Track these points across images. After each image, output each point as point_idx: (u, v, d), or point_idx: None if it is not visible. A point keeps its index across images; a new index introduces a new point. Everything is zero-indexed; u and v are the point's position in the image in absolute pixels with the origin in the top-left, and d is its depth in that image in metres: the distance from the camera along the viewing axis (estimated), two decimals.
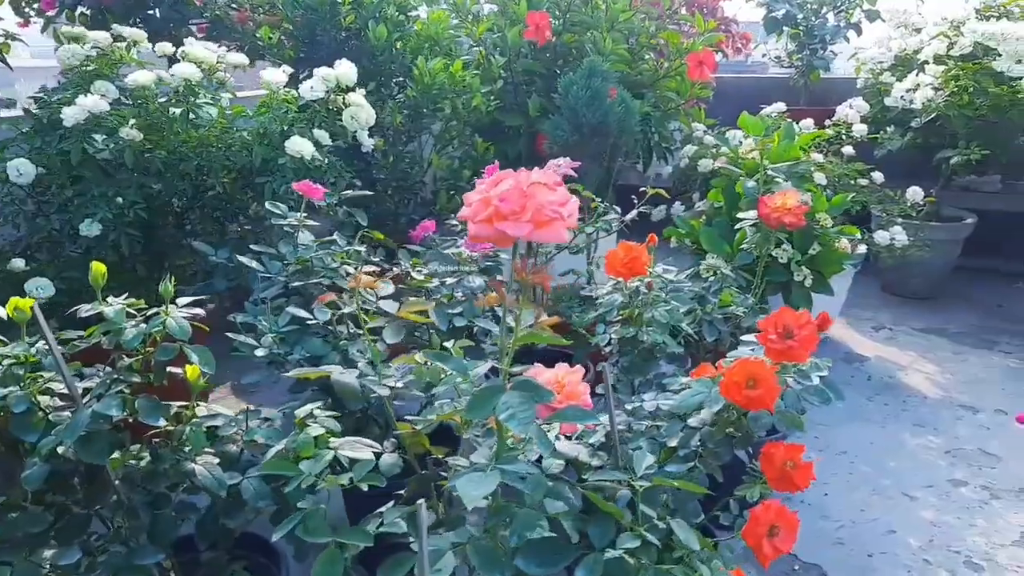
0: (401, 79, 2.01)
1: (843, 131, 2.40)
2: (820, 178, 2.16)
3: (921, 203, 2.29)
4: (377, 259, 1.51)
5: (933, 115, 2.55)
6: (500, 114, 2.38)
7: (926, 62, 2.61)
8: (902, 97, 2.64)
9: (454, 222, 1.67)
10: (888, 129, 2.83)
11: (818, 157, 2.21)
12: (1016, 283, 3.09)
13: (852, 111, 2.39)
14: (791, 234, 1.62)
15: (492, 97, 2.18)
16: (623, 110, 1.96)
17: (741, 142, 1.84)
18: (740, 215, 1.35)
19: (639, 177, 2.81)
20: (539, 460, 0.83)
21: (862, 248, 2.26)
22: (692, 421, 0.89)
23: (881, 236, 2.18)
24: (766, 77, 3.74)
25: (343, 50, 1.96)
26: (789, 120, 1.77)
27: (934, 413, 2.03)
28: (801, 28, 3.36)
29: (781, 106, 2.53)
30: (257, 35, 1.95)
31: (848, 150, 2.35)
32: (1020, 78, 2.46)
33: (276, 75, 1.52)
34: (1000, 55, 2.47)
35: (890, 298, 2.96)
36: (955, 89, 2.50)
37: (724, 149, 1.76)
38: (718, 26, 2.88)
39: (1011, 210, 3.11)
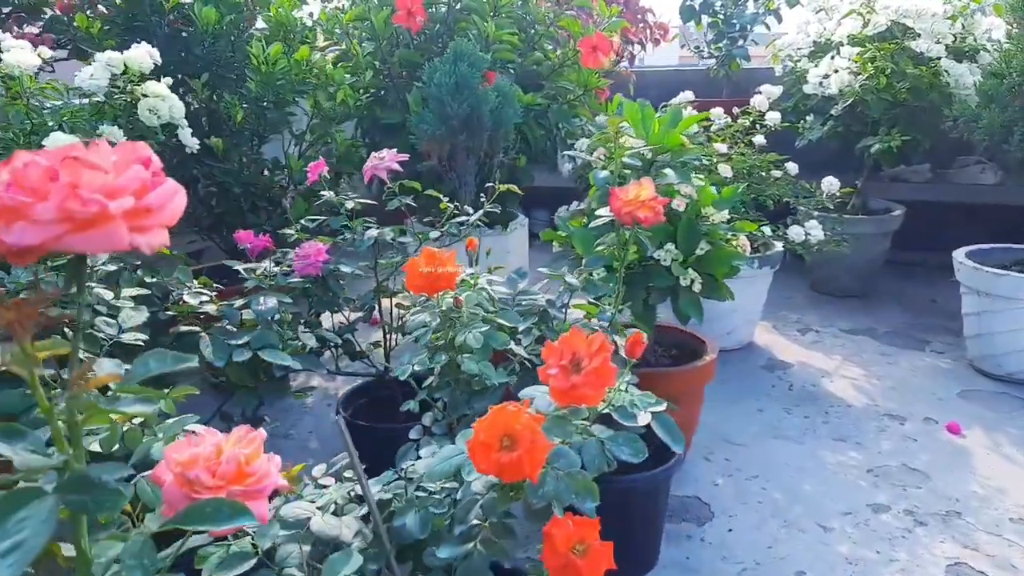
0: (242, 70, 1.77)
1: (755, 119, 2.21)
2: (725, 170, 1.96)
3: (837, 195, 2.10)
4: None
5: (851, 101, 2.37)
6: (381, 110, 2.14)
7: (841, 44, 2.44)
8: (820, 83, 2.47)
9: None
10: (808, 118, 2.66)
11: (721, 148, 2.01)
12: (950, 277, 2.93)
13: (761, 98, 2.19)
14: (675, 231, 1.40)
15: (362, 91, 1.94)
16: (499, 100, 1.73)
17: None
18: (596, 211, 1.12)
19: (558, 178, 2.60)
20: None
21: (778, 245, 2.07)
22: (476, 485, 0.65)
23: (795, 232, 1.99)
24: (689, 69, 3.56)
25: (176, 38, 1.71)
26: (678, 107, 1.56)
27: (857, 425, 1.84)
28: (719, 16, 3.19)
29: (688, 95, 2.34)
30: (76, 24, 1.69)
31: (760, 140, 2.16)
32: (940, 58, 2.30)
33: (24, 57, 1.25)
34: (918, 34, 2.31)
35: (818, 297, 2.78)
36: (872, 72, 2.33)
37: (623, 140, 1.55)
38: (621, 11, 2.68)
39: (942, 200, 2.96)
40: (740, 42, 3.15)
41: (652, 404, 0.75)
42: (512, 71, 2.32)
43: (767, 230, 1.95)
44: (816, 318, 2.57)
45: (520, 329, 0.99)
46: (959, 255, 2.09)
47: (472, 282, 1.00)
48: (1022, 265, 2.14)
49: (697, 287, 1.39)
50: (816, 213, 2.09)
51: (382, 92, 2.17)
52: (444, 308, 0.92)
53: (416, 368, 0.95)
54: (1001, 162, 2.85)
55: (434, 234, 1.32)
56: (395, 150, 1.30)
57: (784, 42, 2.87)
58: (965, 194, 2.90)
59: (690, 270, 1.39)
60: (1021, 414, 1.86)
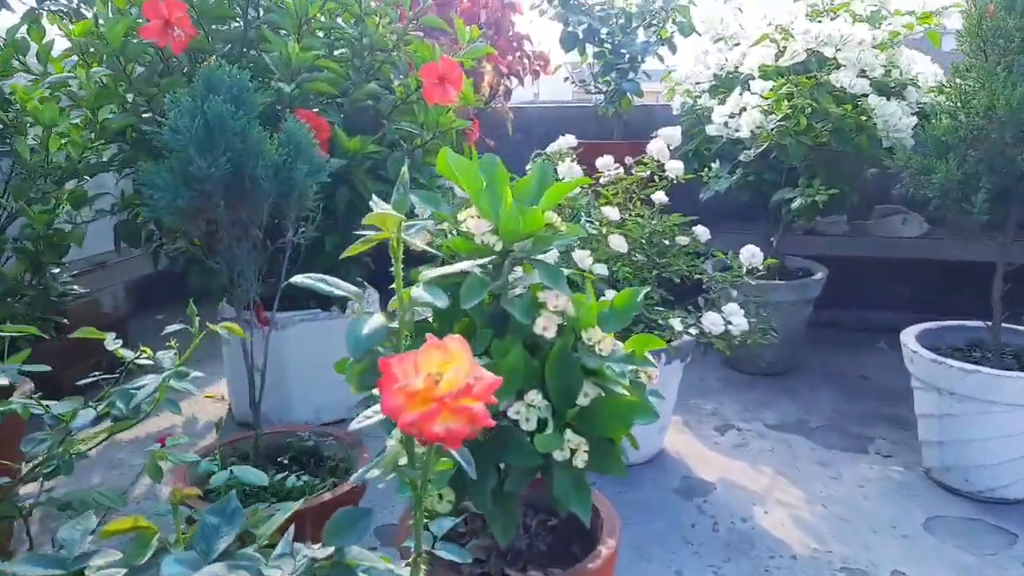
0: None
1: (653, 171, 1.73)
2: (618, 243, 1.45)
3: (760, 268, 1.64)
4: None
5: (764, 146, 1.94)
6: (148, 161, 1.52)
7: (751, 77, 2.01)
8: (725, 124, 2.03)
9: None
10: (713, 165, 2.22)
11: (611, 213, 1.50)
12: (877, 343, 2.56)
13: (660, 143, 1.72)
14: (542, 368, 0.86)
15: (91, 135, 1.31)
16: (286, 152, 1.15)
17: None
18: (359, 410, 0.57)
19: None
20: None
21: (687, 334, 1.57)
22: None
23: (712, 322, 1.50)
24: (574, 106, 3.11)
25: None
26: (544, 163, 1.03)
27: None
28: (606, 46, 2.74)
29: (571, 140, 1.84)
30: None
31: (660, 197, 1.67)
32: (866, 95, 1.90)
33: None
34: (841, 65, 1.91)
35: (736, 377, 2.33)
36: (788, 111, 1.90)
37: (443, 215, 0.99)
38: (488, 35, 2.18)
39: (862, 255, 2.60)
40: (631, 75, 2.71)
41: None
42: (339, 108, 1.75)
43: (676, 323, 1.45)
44: (736, 408, 2.10)
45: None
46: (909, 341, 1.66)
47: None
48: (981, 348, 1.73)
49: (581, 461, 0.84)
50: (732, 288, 1.62)
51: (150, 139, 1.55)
52: None
53: None
54: (925, 213, 2.52)
55: (81, 419, 0.72)
56: None
57: (681, 74, 2.44)
58: (887, 248, 2.55)
59: (568, 433, 0.85)
60: (1008, 555, 1.42)
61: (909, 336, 1.69)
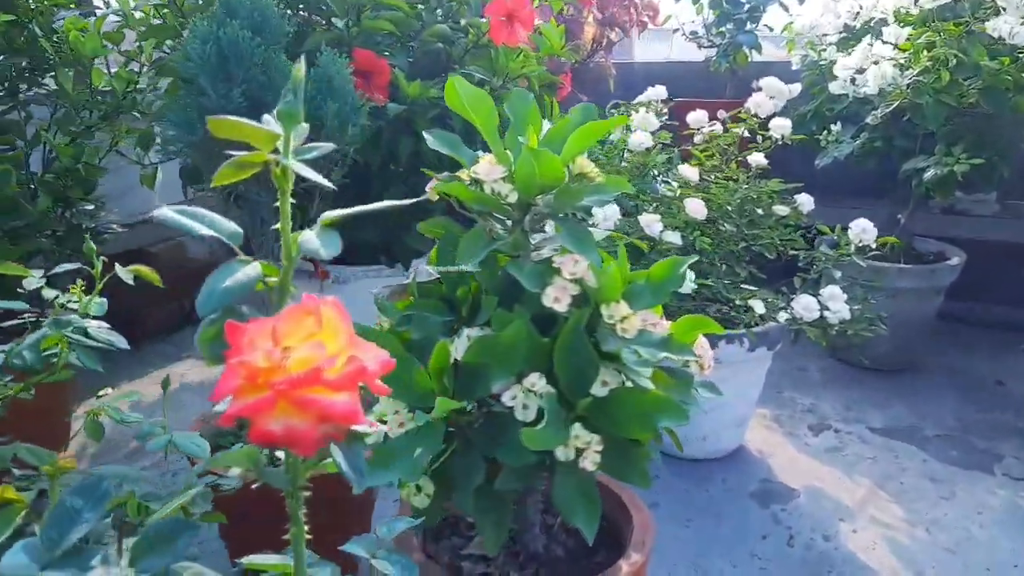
0: None
1: (752, 128, 1.50)
2: (696, 208, 1.26)
3: (873, 245, 1.38)
4: None
5: (895, 105, 1.65)
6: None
7: (884, 23, 1.71)
8: (852, 80, 1.75)
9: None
10: (834, 127, 1.94)
11: (690, 173, 1.30)
12: (1021, 344, 2.20)
13: (762, 96, 1.48)
14: (552, 348, 0.71)
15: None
16: (316, 88, 1.05)
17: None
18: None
19: None
20: None
21: (774, 319, 1.36)
22: None
23: (804, 305, 1.28)
24: (682, 62, 2.84)
25: None
26: (585, 107, 0.86)
27: None
28: None
29: (661, 91, 1.63)
30: None
31: (758, 159, 1.45)
32: None
33: None
34: (1001, 8, 1.58)
35: (843, 370, 2.05)
36: (928, 64, 1.60)
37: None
38: None
39: (1011, 241, 2.22)
40: (749, 25, 2.43)
41: None
42: (409, 51, 1.64)
43: (758, 305, 1.25)
44: (838, 406, 1.85)
45: None
46: None
47: None
48: None
49: (591, 463, 0.69)
50: (838, 270, 1.38)
51: None
52: None
53: None
54: None
55: None
56: None
57: (804, 24, 2.14)
58: None
59: (576, 428, 0.69)
60: None
61: None
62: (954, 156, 1.61)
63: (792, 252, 1.39)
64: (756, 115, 1.49)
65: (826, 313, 1.29)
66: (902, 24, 1.66)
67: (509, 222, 0.79)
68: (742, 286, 1.36)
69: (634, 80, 2.93)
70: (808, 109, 2.06)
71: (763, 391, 1.62)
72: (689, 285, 0.81)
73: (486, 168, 0.76)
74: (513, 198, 0.75)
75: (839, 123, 1.93)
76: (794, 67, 2.17)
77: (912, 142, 1.82)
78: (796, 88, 2.14)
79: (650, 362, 0.70)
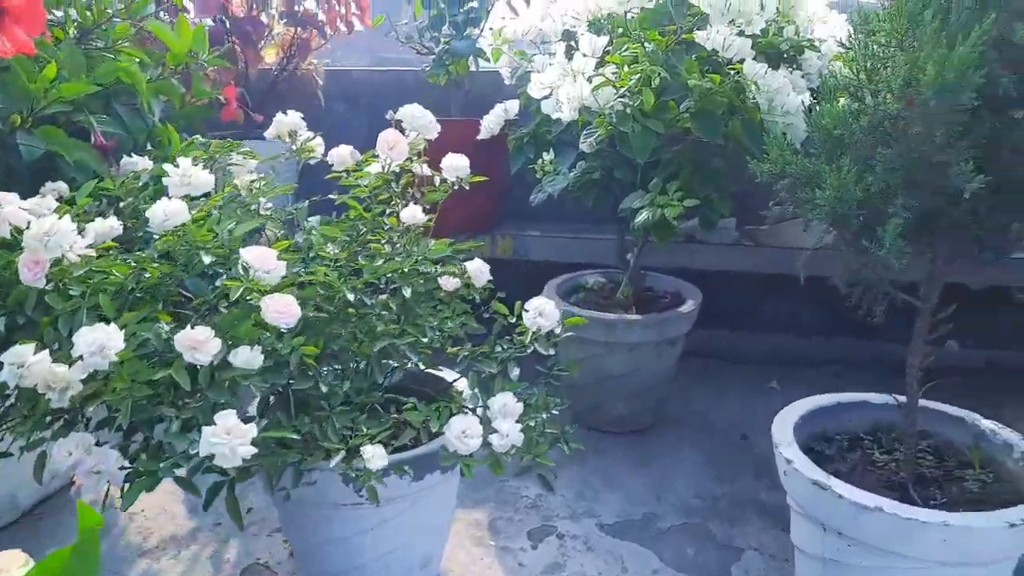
0: None
1: (406, 170, 1.10)
2: (283, 309, 0.83)
3: (557, 333, 1.04)
4: None
5: (598, 133, 1.34)
6: None
7: (573, 32, 1.40)
8: (553, 98, 1.42)
9: None
10: (546, 156, 1.61)
11: (258, 255, 0.87)
12: (769, 381, 2.03)
13: (407, 110, 1.09)
14: None
15: None
16: None
17: None
18: None
19: None
20: None
21: (402, 469, 0.96)
22: None
23: (459, 432, 0.90)
24: (412, 69, 2.44)
25: None
26: None
27: None
28: None
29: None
30: None
31: (413, 214, 1.05)
32: (742, 60, 1.32)
33: None
34: (704, 15, 1.31)
35: (583, 437, 1.73)
36: (632, 84, 1.30)
37: None
38: None
39: (756, 271, 2.05)
40: (471, 31, 2.07)
41: None
42: None
43: (371, 453, 0.84)
44: (569, 494, 1.52)
45: None
46: (783, 439, 1.10)
47: None
48: (889, 437, 1.19)
49: None
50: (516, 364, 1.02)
51: None
52: None
53: None
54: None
55: None
56: None
57: (518, 30, 1.81)
58: (783, 262, 2.00)
59: None
60: None
61: (784, 427, 1.13)
62: (668, 195, 1.32)
63: (450, 351, 1.01)
64: (412, 152, 1.09)
65: (492, 437, 0.91)
66: (597, 30, 1.35)
67: None
68: (361, 426, 0.94)
69: (356, 89, 2.49)
70: (525, 132, 1.72)
71: (487, 479, 1.24)
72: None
73: None
74: None
75: (552, 150, 1.60)
76: (506, 80, 1.84)
77: (633, 173, 1.53)
78: (514, 106, 1.82)
79: None
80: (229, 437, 0.71)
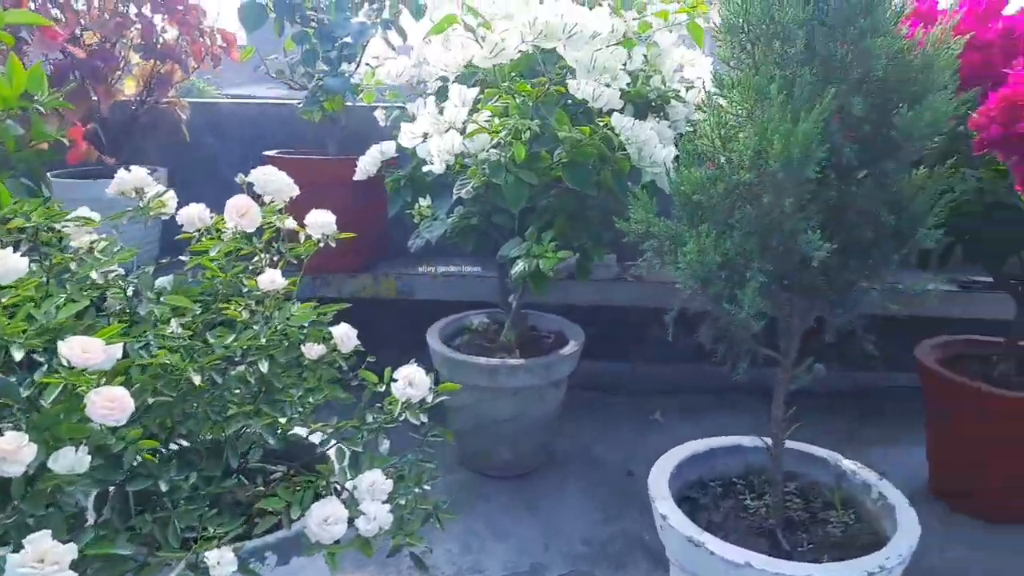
0: None
1: (267, 228, 1.04)
2: (110, 405, 0.75)
3: (428, 400, 1.00)
4: None
5: (472, 182, 1.32)
6: None
7: (444, 80, 1.38)
8: (426, 146, 1.39)
9: None
10: (422, 202, 1.58)
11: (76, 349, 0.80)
12: (652, 413, 2.07)
13: (262, 175, 1.03)
14: None
15: None
16: None
17: None
18: None
19: None
20: None
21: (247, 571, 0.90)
22: None
23: (321, 520, 0.84)
24: (285, 103, 2.35)
25: None
26: None
27: None
28: (311, 26, 2.02)
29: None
30: None
31: (271, 279, 0.99)
32: (611, 111, 1.34)
33: None
34: (571, 68, 1.32)
35: (471, 482, 1.72)
36: (505, 135, 1.29)
37: None
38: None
39: (638, 304, 2.08)
40: (344, 66, 2.01)
41: None
42: None
43: (216, 559, 0.78)
44: (456, 547, 1.48)
45: None
46: (659, 493, 1.10)
47: None
48: (759, 480, 1.22)
49: None
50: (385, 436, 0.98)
51: None
52: None
53: None
54: None
55: None
56: None
57: (396, 68, 1.78)
58: (667, 296, 2.04)
59: None
60: None
61: (660, 479, 1.14)
62: (543, 244, 1.32)
63: (312, 428, 0.95)
64: (274, 211, 1.03)
65: (359, 521, 0.87)
66: (469, 81, 1.34)
67: None
68: (208, 525, 0.86)
69: (224, 123, 2.37)
70: (402, 175, 1.68)
71: None
72: None
73: None
74: None
75: (429, 195, 1.57)
76: (380, 122, 1.80)
77: (511, 219, 1.52)
78: (390, 147, 1.77)
79: None
80: (42, 565, 0.63)
